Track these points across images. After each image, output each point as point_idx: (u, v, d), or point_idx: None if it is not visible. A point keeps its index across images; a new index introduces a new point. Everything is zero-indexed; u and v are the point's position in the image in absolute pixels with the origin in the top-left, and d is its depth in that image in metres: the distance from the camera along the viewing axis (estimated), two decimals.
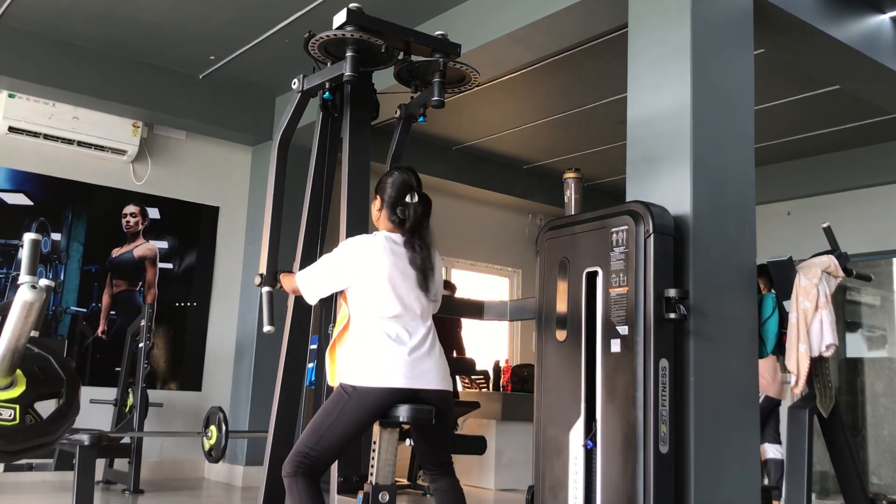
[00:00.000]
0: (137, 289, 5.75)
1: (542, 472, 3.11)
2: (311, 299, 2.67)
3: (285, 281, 2.85)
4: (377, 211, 2.64)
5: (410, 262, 2.51)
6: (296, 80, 3.02)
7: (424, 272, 2.51)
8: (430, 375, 2.45)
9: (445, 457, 2.62)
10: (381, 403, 2.39)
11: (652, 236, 2.89)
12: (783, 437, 4.14)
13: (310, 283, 2.63)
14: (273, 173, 3.11)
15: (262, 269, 3.02)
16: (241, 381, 5.93)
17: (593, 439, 2.94)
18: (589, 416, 2.99)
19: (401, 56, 3.01)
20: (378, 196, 2.63)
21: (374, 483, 2.50)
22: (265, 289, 2.99)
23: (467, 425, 5.68)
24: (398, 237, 2.55)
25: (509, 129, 6.37)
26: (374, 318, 2.47)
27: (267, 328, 2.94)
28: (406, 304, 2.48)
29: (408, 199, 2.55)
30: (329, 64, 2.95)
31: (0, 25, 4.97)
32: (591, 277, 3.06)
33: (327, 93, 2.98)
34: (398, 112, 3.31)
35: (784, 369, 3.28)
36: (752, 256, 3.31)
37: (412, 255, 2.51)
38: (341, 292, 2.62)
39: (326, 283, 2.59)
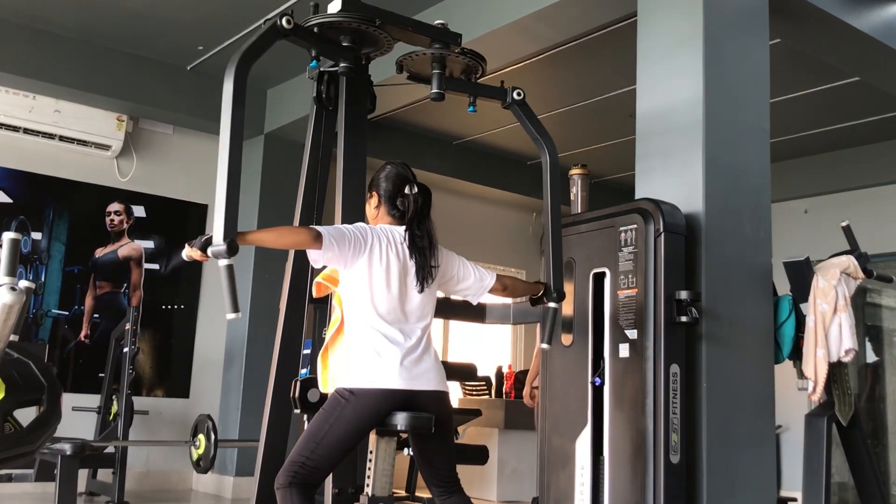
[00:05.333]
0: (122, 290, 5.67)
1: (546, 484, 3.08)
2: (326, 248, 2.27)
3: (266, 235, 2.40)
4: (374, 209, 2.56)
5: (410, 258, 2.43)
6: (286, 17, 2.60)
7: (424, 270, 2.43)
8: (428, 377, 2.39)
9: (450, 470, 2.52)
10: (381, 406, 2.33)
11: (662, 235, 2.86)
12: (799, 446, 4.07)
13: (331, 233, 2.30)
14: (231, 94, 2.34)
15: (221, 233, 2.20)
16: (230, 388, 5.87)
17: (601, 376, 2.94)
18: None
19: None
20: (374, 192, 2.55)
21: (370, 495, 2.46)
22: (224, 262, 2.21)
23: (468, 434, 5.65)
24: (401, 230, 2.47)
25: (512, 124, 6.26)
26: (369, 319, 2.39)
27: (232, 315, 2.24)
28: (402, 304, 2.41)
29: (406, 190, 2.49)
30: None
31: None
32: (599, 279, 3.05)
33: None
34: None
35: (801, 375, 3.25)
36: (768, 257, 3.30)
37: (413, 251, 2.44)
38: (334, 293, 2.53)
39: (345, 240, 2.31)
